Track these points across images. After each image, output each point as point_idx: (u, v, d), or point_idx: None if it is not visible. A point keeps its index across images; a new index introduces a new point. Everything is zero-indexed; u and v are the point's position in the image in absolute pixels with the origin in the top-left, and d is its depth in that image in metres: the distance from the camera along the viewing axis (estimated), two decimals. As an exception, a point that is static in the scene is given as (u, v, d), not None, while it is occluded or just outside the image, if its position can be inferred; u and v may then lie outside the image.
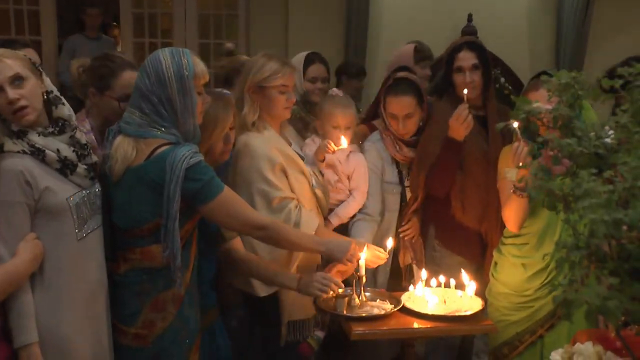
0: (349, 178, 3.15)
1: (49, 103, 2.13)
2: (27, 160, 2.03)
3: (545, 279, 2.79)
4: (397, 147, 3.16)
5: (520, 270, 2.88)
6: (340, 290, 2.69)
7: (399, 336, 2.77)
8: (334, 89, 3.37)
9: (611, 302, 1.01)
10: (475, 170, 3.11)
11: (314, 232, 2.68)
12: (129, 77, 2.48)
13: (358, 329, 2.54)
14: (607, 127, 1.29)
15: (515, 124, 2.40)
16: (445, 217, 3.17)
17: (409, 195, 3.22)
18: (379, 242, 2.97)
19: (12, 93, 2.02)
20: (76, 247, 2.13)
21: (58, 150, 2.09)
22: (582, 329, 2.13)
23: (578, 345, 1.67)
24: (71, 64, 2.77)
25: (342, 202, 3.15)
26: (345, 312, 2.63)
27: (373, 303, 2.72)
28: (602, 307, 1.01)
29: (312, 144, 3.17)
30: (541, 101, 1.86)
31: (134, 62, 2.62)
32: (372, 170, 3.15)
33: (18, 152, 2.03)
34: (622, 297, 1.02)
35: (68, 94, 2.55)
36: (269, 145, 2.69)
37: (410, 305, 2.69)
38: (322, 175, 3.04)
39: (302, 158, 2.89)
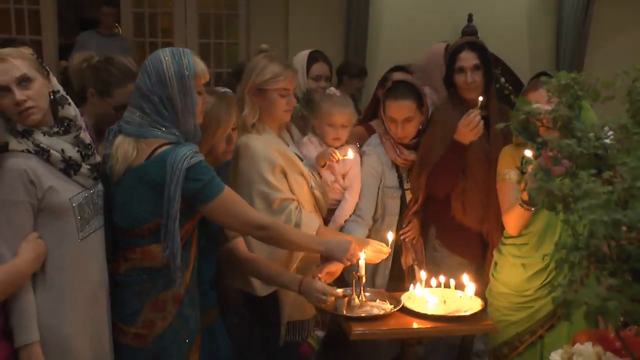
0: (343, 177, 3.15)
1: (55, 103, 2.13)
2: (31, 160, 2.03)
3: (545, 279, 2.79)
4: (398, 151, 3.14)
5: (520, 270, 2.88)
6: (340, 291, 2.70)
7: (398, 336, 2.77)
8: (332, 88, 3.37)
9: (610, 302, 1.01)
10: (477, 171, 3.11)
11: (314, 233, 2.68)
12: (132, 89, 2.48)
13: (358, 329, 2.55)
14: (606, 128, 1.29)
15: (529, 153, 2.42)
16: (446, 218, 3.17)
17: (409, 198, 3.21)
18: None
19: (19, 94, 2.01)
20: (78, 247, 2.13)
21: (62, 150, 2.09)
22: (582, 329, 2.13)
23: (578, 345, 1.67)
24: (75, 56, 2.76)
25: (338, 201, 3.15)
26: (345, 312, 2.63)
27: (373, 303, 2.72)
28: (602, 307, 1.01)
29: (308, 144, 3.17)
30: (541, 101, 1.86)
31: (136, 68, 2.62)
32: (371, 175, 3.14)
33: (22, 151, 2.03)
34: (621, 297, 1.03)
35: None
36: (269, 147, 2.69)
37: (410, 305, 2.69)
38: (320, 176, 3.04)
39: (301, 159, 2.89)
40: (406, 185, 3.21)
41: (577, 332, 1.83)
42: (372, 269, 3.08)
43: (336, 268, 2.66)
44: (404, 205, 3.21)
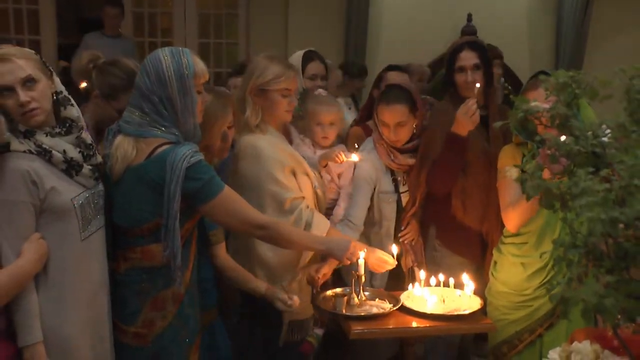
0: (339, 176, 3.15)
1: (58, 103, 2.13)
2: (33, 161, 2.03)
3: (545, 278, 2.79)
4: (392, 156, 3.12)
5: (519, 269, 2.88)
6: (339, 290, 2.70)
7: (397, 335, 2.77)
8: (320, 90, 3.37)
9: (608, 300, 1.01)
10: (477, 170, 3.11)
11: (324, 235, 2.68)
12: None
13: (357, 328, 2.55)
14: (604, 126, 1.29)
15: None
16: (446, 217, 3.17)
17: (405, 201, 3.20)
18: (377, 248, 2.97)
19: (23, 95, 2.01)
20: (80, 247, 2.13)
21: (64, 151, 2.09)
22: (581, 327, 2.13)
23: (576, 344, 1.67)
24: (82, 54, 2.76)
25: (334, 200, 3.16)
26: (344, 311, 2.64)
27: (372, 302, 2.73)
28: (599, 305, 1.01)
29: (301, 144, 3.18)
30: (540, 100, 1.87)
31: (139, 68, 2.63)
32: (365, 181, 3.11)
33: (24, 151, 2.03)
34: (618, 295, 1.03)
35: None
36: (276, 147, 2.70)
37: (409, 304, 2.70)
38: (321, 176, 3.05)
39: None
40: (402, 189, 3.19)
41: (575, 330, 1.83)
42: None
43: (329, 269, 2.67)
44: (400, 210, 3.19)
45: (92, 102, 2.57)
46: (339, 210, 3.17)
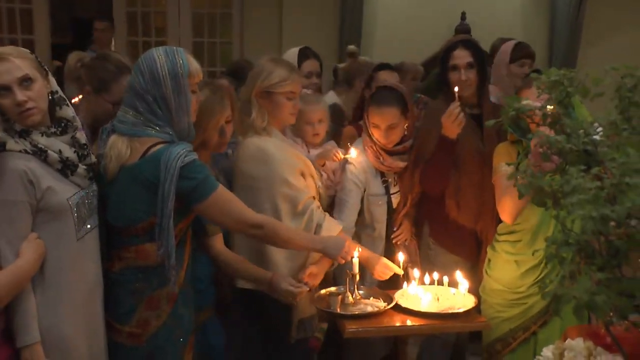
0: (334, 173, 3.15)
1: (53, 103, 2.13)
2: (29, 160, 2.03)
3: (538, 275, 2.79)
4: (381, 159, 3.08)
5: (513, 267, 2.89)
6: (334, 289, 2.70)
7: (392, 334, 2.78)
8: (304, 90, 3.37)
9: (599, 297, 1.01)
10: (471, 169, 3.11)
11: None
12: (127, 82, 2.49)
13: (351, 327, 2.55)
14: (595, 124, 1.30)
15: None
16: (440, 216, 3.17)
17: (395, 203, 3.17)
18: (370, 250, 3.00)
19: (20, 95, 2.01)
20: (76, 247, 2.13)
21: (60, 150, 2.09)
22: (575, 324, 2.13)
23: (569, 341, 1.68)
24: (69, 56, 2.76)
25: (330, 196, 3.15)
26: (338, 310, 2.64)
27: (367, 301, 2.73)
28: (590, 302, 1.02)
29: (295, 145, 3.18)
30: (532, 98, 1.87)
31: (130, 64, 2.62)
32: (354, 184, 3.07)
33: (20, 151, 2.03)
34: (609, 292, 1.03)
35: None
36: (284, 150, 2.72)
37: (403, 302, 2.70)
38: (321, 174, 3.05)
39: None
40: (393, 190, 3.17)
41: (568, 327, 1.84)
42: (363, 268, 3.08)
43: (318, 270, 2.67)
44: (390, 211, 3.17)
45: (85, 100, 2.56)
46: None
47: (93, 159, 2.23)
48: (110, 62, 2.57)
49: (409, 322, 2.62)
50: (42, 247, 2.04)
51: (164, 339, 2.27)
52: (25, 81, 2.03)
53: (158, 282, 2.24)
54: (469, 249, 3.22)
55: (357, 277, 2.69)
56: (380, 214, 3.13)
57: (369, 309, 2.67)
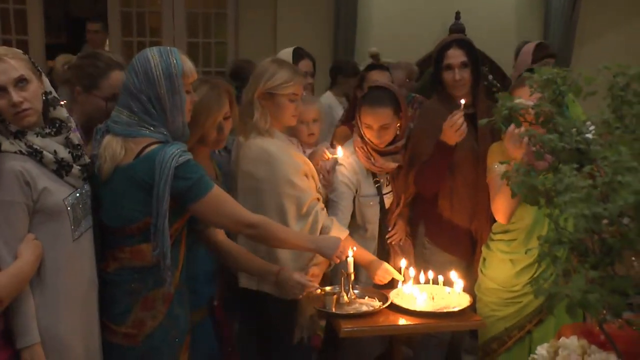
0: (328, 172, 3.15)
1: (47, 104, 2.13)
2: (25, 161, 2.03)
3: (533, 274, 2.79)
4: (372, 160, 3.06)
5: (508, 265, 2.89)
6: (329, 288, 2.70)
7: (387, 333, 2.78)
8: None
9: (592, 295, 1.02)
10: (465, 169, 3.11)
11: None
12: (117, 77, 2.48)
13: (347, 327, 2.55)
14: (588, 123, 1.30)
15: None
16: (435, 215, 3.17)
17: (388, 203, 3.16)
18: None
19: (16, 96, 2.01)
20: (72, 247, 2.13)
21: (55, 151, 2.09)
22: (569, 323, 2.14)
23: (563, 339, 1.69)
24: (56, 60, 2.75)
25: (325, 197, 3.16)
26: (334, 310, 2.64)
27: (362, 300, 2.73)
28: (583, 300, 1.02)
29: (291, 145, 3.18)
30: (526, 97, 1.87)
31: (122, 61, 2.62)
32: (345, 186, 3.05)
33: (15, 152, 2.02)
34: (602, 290, 1.04)
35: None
36: (287, 151, 2.73)
37: (398, 302, 2.70)
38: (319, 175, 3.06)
39: None
40: (385, 190, 3.15)
41: (562, 326, 1.85)
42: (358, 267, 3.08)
43: (320, 271, 2.68)
44: (383, 211, 3.15)
45: (77, 101, 2.55)
46: None
47: (87, 159, 2.23)
48: (97, 59, 2.56)
49: (404, 321, 2.62)
50: (40, 248, 2.04)
51: (160, 339, 2.27)
52: (21, 82, 2.02)
53: (153, 283, 2.24)
54: (464, 248, 3.22)
55: (352, 277, 2.69)
56: (372, 214, 3.12)
57: (364, 308, 2.67)
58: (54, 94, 2.18)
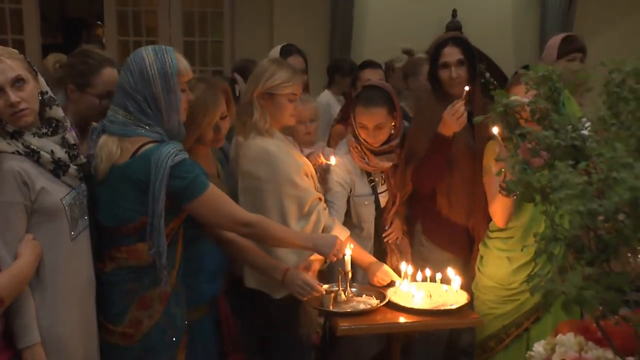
0: (325, 171, 3.15)
1: (43, 104, 2.12)
2: (22, 161, 2.03)
3: (531, 272, 2.79)
4: (366, 159, 3.05)
5: (505, 263, 2.89)
6: (326, 286, 2.70)
7: (385, 331, 2.78)
8: None
9: (587, 292, 1.02)
10: (462, 166, 3.11)
11: None
12: (109, 73, 2.47)
13: (344, 325, 2.56)
14: (584, 119, 1.30)
15: (496, 130, 2.43)
16: (433, 213, 3.17)
17: (383, 202, 3.16)
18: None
19: (13, 96, 2.00)
20: (70, 247, 2.14)
21: (52, 151, 2.09)
22: (567, 320, 2.14)
23: (560, 336, 1.68)
24: (47, 59, 2.74)
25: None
26: (331, 308, 2.64)
27: (359, 298, 2.74)
28: (579, 297, 1.02)
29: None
30: (522, 94, 1.87)
31: (115, 59, 2.61)
32: (340, 185, 3.05)
33: (13, 152, 2.02)
34: (598, 287, 1.03)
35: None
36: (287, 151, 2.73)
37: (396, 300, 2.70)
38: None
39: None
40: (380, 189, 3.15)
41: (559, 323, 1.85)
42: (355, 266, 3.08)
43: (314, 268, 2.71)
44: (379, 210, 3.15)
45: (70, 100, 2.54)
46: None
47: (83, 159, 2.23)
48: (88, 56, 2.55)
49: (401, 319, 2.62)
50: (39, 248, 2.05)
51: (157, 338, 2.28)
52: (18, 82, 2.02)
53: (150, 282, 2.25)
54: (462, 246, 3.22)
55: (350, 275, 2.69)
56: (367, 214, 3.12)
57: (362, 306, 2.67)
58: (50, 93, 2.17)
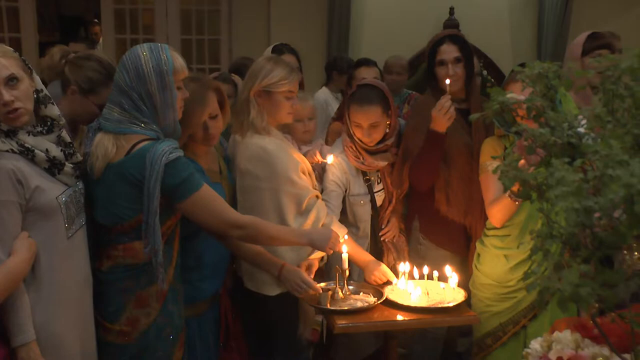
0: (323, 169, 3.15)
1: (38, 102, 2.12)
2: (17, 160, 2.02)
3: (528, 269, 2.79)
4: (361, 159, 3.04)
5: (502, 261, 2.90)
6: (323, 284, 2.70)
7: (382, 329, 2.78)
8: None
9: (583, 289, 1.02)
10: (459, 163, 3.11)
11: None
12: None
13: (341, 322, 2.56)
14: (580, 117, 1.30)
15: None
16: (430, 211, 3.17)
17: (379, 201, 3.15)
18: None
19: (7, 95, 1.99)
20: (66, 245, 2.13)
21: (47, 150, 2.08)
22: (564, 317, 2.14)
23: (557, 333, 1.69)
24: (53, 50, 2.73)
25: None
26: (328, 306, 2.64)
27: (356, 296, 2.74)
28: (575, 294, 1.02)
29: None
30: (518, 92, 1.87)
31: (113, 59, 2.61)
32: (335, 184, 3.05)
33: (7, 151, 2.02)
34: (594, 284, 1.04)
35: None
36: (286, 149, 2.73)
37: (393, 297, 2.70)
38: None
39: None
40: (376, 188, 3.14)
41: (556, 320, 1.85)
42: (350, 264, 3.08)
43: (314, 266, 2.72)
44: (375, 209, 3.14)
45: (68, 99, 2.53)
46: None
47: (79, 157, 2.23)
48: (99, 63, 2.53)
49: (399, 317, 2.62)
50: (34, 246, 2.04)
51: (154, 336, 2.28)
52: (11, 80, 2.01)
53: (146, 280, 2.25)
54: (459, 243, 3.23)
55: (347, 273, 2.70)
56: (363, 213, 3.11)
57: (359, 304, 2.67)
58: (45, 91, 2.16)
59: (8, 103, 2.00)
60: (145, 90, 2.19)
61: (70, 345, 2.14)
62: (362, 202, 3.09)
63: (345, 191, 3.07)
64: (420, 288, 2.76)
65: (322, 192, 3.03)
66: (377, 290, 2.77)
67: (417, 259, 3.11)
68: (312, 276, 2.73)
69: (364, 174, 3.11)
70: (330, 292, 2.68)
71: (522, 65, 1.52)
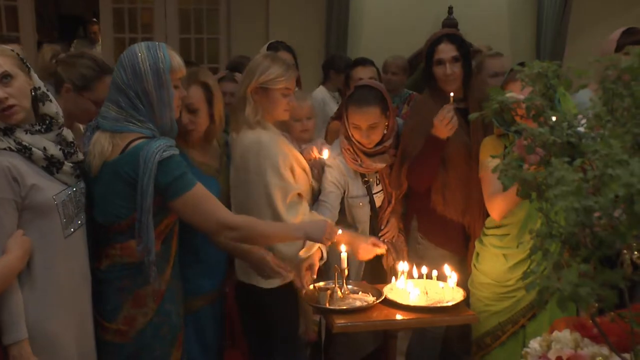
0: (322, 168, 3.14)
1: (36, 100, 2.11)
2: (13, 158, 2.02)
3: (527, 269, 2.79)
4: (359, 161, 3.02)
5: (501, 260, 2.89)
6: (322, 284, 2.70)
7: (381, 328, 2.77)
8: None
9: (582, 288, 1.01)
10: (457, 164, 3.10)
11: None
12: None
13: (340, 322, 2.55)
14: (580, 116, 1.30)
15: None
16: (428, 211, 3.16)
17: (379, 202, 3.13)
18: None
19: (0, 92, 1.99)
20: (63, 244, 2.13)
21: (44, 148, 2.08)
22: (563, 317, 2.14)
23: (556, 333, 1.69)
24: (43, 50, 2.73)
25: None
26: (327, 305, 2.64)
27: (355, 295, 2.73)
28: (574, 294, 1.02)
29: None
30: (517, 91, 1.87)
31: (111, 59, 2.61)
32: (334, 186, 3.02)
33: (4, 149, 2.01)
34: (593, 284, 1.03)
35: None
36: (280, 143, 2.72)
37: (392, 296, 2.70)
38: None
39: None
40: (375, 189, 3.12)
41: (555, 320, 1.85)
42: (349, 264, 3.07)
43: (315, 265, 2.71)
44: (374, 211, 3.12)
45: (63, 98, 2.52)
46: None
47: (80, 156, 2.22)
48: (91, 59, 2.54)
49: (397, 316, 2.62)
50: (29, 244, 2.04)
51: (151, 335, 2.28)
52: (5, 78, 2.01)
53: (143, 279, 2.24)
54: (457, 243, 3.22)
55: (346, 272, 2.69)
56: (362, 214, 3.10)
57: (358, 303, 2.67)
58: (43, 89, 2.16)
59: (2, 100, 1.99)
60: (142, 88, 2.19)
61: (66, 344, 2.13)
62: (360, 203, 3.08)
63: (344, 192, 3.06)
64: (419, 287, 2.76)
65: (319, 191, 3.03)
66: (376, 289, 2.77)
67: (416, 259, 3.10)
68: (315, 276, 2.72)
69: (363, 175, 3.09)
70: (329, 292, 2.68)
71: (522, 64, 1.52)
